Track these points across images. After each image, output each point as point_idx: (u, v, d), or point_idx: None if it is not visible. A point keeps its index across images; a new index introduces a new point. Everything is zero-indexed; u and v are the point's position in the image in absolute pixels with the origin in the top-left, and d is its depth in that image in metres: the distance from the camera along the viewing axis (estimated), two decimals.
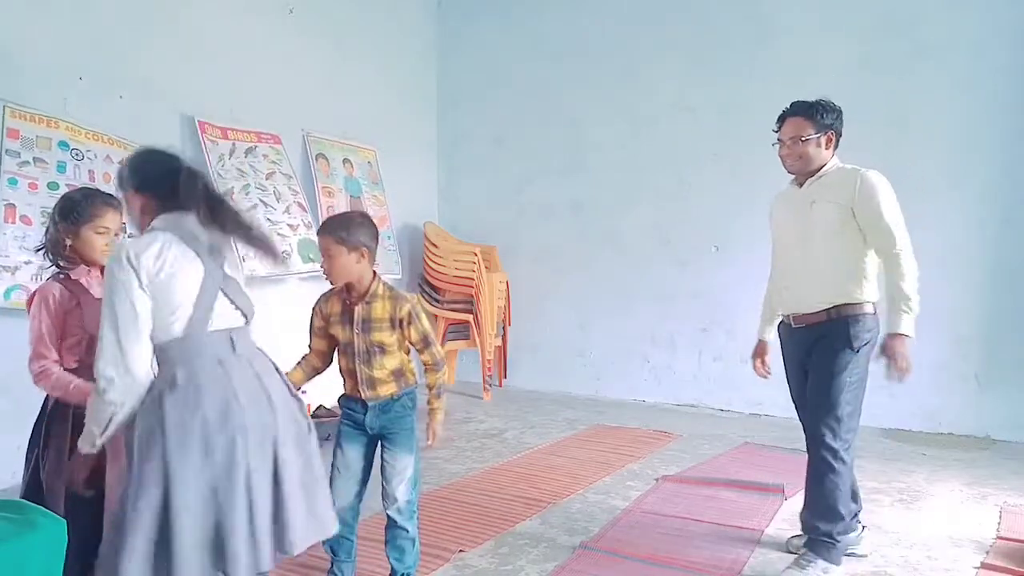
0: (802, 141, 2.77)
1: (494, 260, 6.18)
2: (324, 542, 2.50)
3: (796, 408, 2.96)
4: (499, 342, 6.17)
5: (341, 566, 2.56)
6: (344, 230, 2.34)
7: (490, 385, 5.99)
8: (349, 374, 2.47)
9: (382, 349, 2.41)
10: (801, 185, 2.85)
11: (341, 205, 5.46)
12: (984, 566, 2.87)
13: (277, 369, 1.93)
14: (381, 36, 6.11)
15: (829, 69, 5.04)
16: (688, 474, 3.98)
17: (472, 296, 5.84)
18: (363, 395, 2.45)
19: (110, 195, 2.31)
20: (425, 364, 2.51)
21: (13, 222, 3.62)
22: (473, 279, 5.80)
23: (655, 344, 5.81)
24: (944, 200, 4.76)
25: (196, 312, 1.76)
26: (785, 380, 2.98)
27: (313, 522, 1.87)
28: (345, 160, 5.69)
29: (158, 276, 1.71)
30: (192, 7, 4.58)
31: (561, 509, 3.47)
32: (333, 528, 1.97)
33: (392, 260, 5.93)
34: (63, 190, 3.80)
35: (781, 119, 2.85)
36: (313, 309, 2.51)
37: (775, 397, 5.22)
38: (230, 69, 4.81)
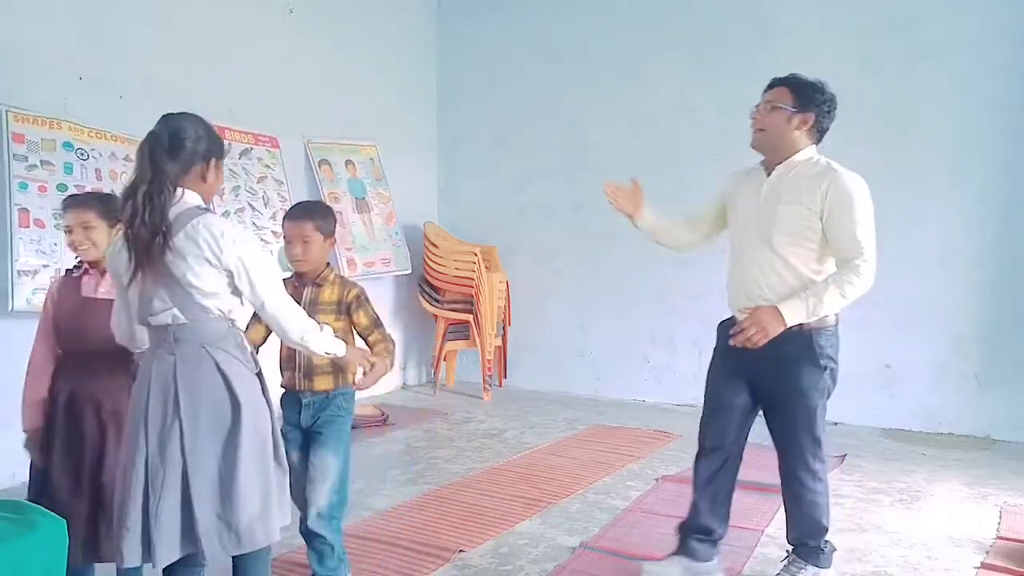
0: (774, 108, 2.49)
1: (494, 260, 6.18)
2: (308, 545, 2.47)
3: (709, 411, 2.70)
4: (499, 342, 6.16)
5: None
6: (322, 218, 2.42)
7: (490, 385, 5.99)
8: (288, 361, 2.43)
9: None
10: (769, 173, 2.55)
11: (347, 209, 5.48)
12: (984, 566, 2.87)
13: (221, 371, 1.87)
14: (381, 36, 6.11)
15: (829, 69, 4.96)
16: (688, 474, 3.96)
17: (472, 296, 5.84)
18: (299, 386, 2.41)
19: (73, 195, 2.53)
20: (376, 344, 2.43)
21: (27, 226, 3.63)
22: (473, 279, 5.80)
23: (655, 344, 5.80)
24: (944, 200, 4.76)
25: (140, 308, 1.91)
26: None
27: (225, 529, 1.84)
28: (347, 162, 5.69)
29: (117, 271, 1.93)
30: (192, 7, 4.58)
31: (561, 509, 3.47)
32: (253, 545, 1.90)
33: (403, 255, 5.95)
34: (72, 191, 3.81)
35: (769, 86, 2.60)
36: None
37: None
38: (230, 69, 4.81)
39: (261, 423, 1.93)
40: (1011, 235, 4.64)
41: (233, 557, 1.98)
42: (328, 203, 5.28)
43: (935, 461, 4.26)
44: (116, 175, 4.05)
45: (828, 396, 2.53)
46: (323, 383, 2.42)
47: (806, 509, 2.56)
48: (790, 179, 2.49)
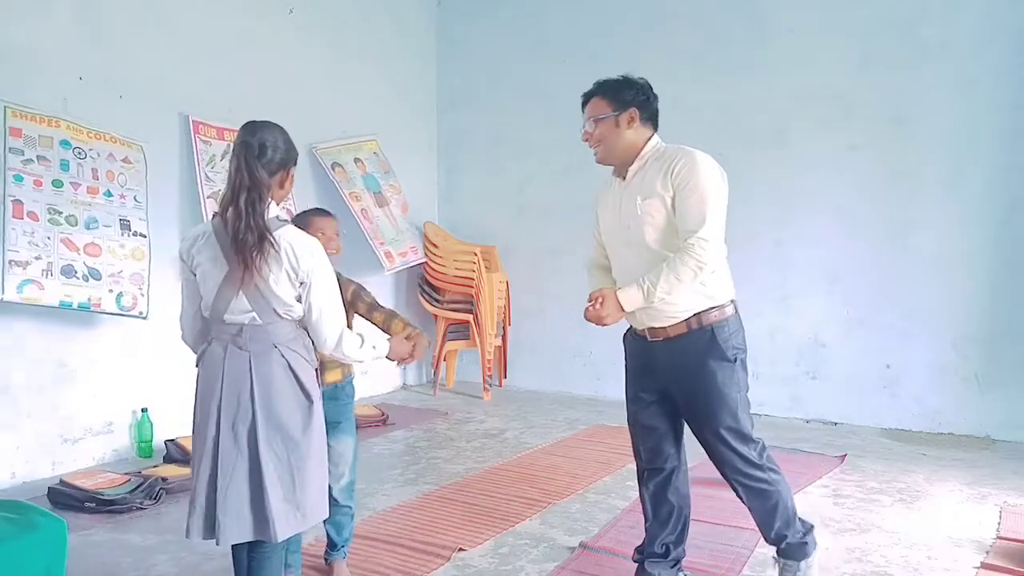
0: (597, 121, 2.44)
1: (494, 260, 6.18)
2: (327, 520, 2.65)
3: (636, 435, 2.61)
4: (499, 342, 6.16)
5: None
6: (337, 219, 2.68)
7: (490, 385, 5.99)
8: None
9: None
10: (624, 177, 2.47)
11: (370, 205, 5.50)
12: (984, 566, 2.87)
13: (292, 370, 2.01)
14: (381, 36, 6.11)
15: (829, 69, 5.04)
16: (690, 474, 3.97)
17: (472, 296, 5.84)
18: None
19: None
20: (387, 319, 2.60)
21: (21, 218, 3.64)
22: (473, 279, 5.80)
23: None
24: (944, 200, 4.76)
25: (214, 303, 2.01)
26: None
27: (293, 511, 2.01)
28: (356, 160, 5.69)
29: (193, 265, 2.05)
30: (192, 7, 4.58)
31: (561, 509, 3.47)
32: (316, 520, 2.11)
33: (419, 243, 5.96)
34: (67, 188, 3.83)
35: (583, 103, 2.52)
36: None
37: (775, 397, 5.22)
38: (230, 69, 4.81)
39: (323, 417, 2.13)
40: (1011, 235, 4.63)
41: (251, 551, 2.11)
42: (351, 202, 5.34)
43: (935, 461, 4.26)
44: (113, 176, 4.05)
45: (747, 389, 2.41)
46: (333, 376, 2.64)
47: (768, 502, 2.44)
48: (643, 174, 2.41)
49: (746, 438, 2.41)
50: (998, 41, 4.61)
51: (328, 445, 2.51)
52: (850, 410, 5.10)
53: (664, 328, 2.39)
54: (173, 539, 3.08)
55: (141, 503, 3.44)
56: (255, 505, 1.97)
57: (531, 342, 6.32)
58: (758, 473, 2.42)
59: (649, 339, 2.44)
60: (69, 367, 3.97)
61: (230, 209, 1.94)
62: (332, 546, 2.74)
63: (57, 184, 3.80)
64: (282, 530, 1.99)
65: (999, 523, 3.31)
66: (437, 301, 6.00)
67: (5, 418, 3.72)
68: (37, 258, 3.63)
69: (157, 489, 3.54)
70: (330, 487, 2.58)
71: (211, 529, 1.98)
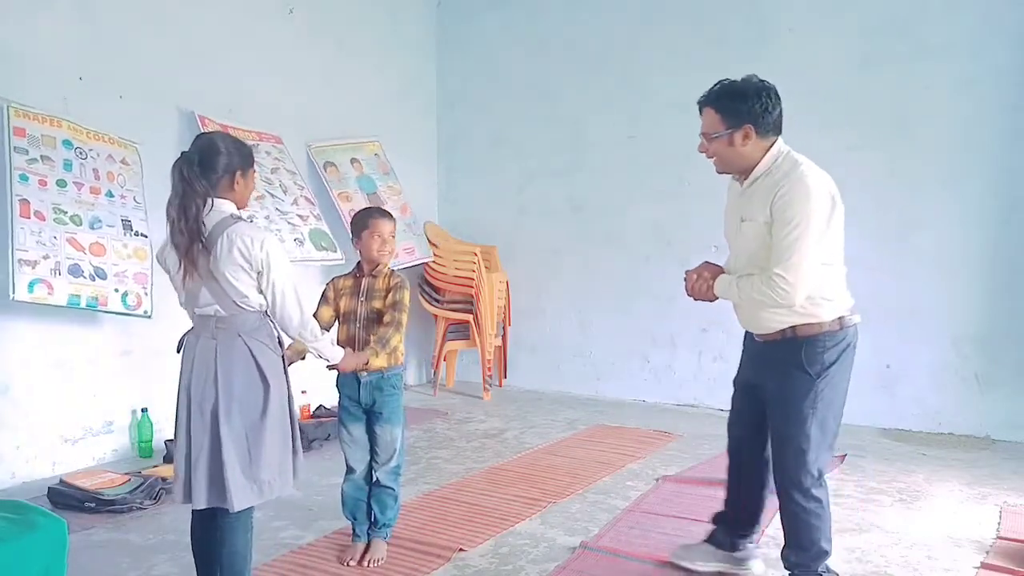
0: (711, 139, 2.37)
1: (494, 260, 6.18)
2: (344, 509, 2.91)
3: (732, 418, 2.71)
4: (499, 342, 6.16)
5: (360, 527, 2.92)
6: (394, 221, 2.89)
7: (490, 385, 5.98)
8: (348, 343, 2.80)
9: (379, 316, 2.79)
10: (742, 183, 2.44)
11: (361, 205, 5.48)
12: (984, 566, 2.87)
13: (254, 357, 2.21)
14: (381, 36, 6.11)
15: (829, 69, 5.03)
16: (688, 474, 3.98)
17: (472, 296, 5.84)
18: None
19: None
20: (384, 322, 2.76)
21: (28, 217, 3.63)
22: (473, 279, 5.80)
23: (655, 344, 5.80)
24: (944, 200, 4.76)
25: (186, 299, 2.26)
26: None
27: (250, 484, 2.20)
28: (353, 160, 5.68)
29: (166, 267, 2.26)
30: (192, 7, 4.58)
31: (561, 509, 3.47)
32: (274, 494, 2.27)
33: (424, 243, 5.95)
34: (71, 188, 3.83)
35: (700, 108, 2.43)
36: (327, 284, 2.92)
37: None
38: (230, 69, 4.80)
39: (283, 400, 2.29)
40: (1011, 235, 4.63)
41: (220, 519, 2.27)
42: (339, 203, 5.33)
43: (935, 461, 4.26)
44: (113, 176, 4.05)
45: (830, 408, 2.40)
46: (378, 362, 2.77)
47: (801, 529, 2.43)
48: (752, 191, 2.38)
49: (802, 454, 2.36)
50: (998, 41, 4.61)
51: (374, 433, 2.87)
52: (850, 410, 5.04)
53: (762, 335, 2.48)
54: (173, 539, 3.08)
55: (141, 503, 3.44)
56: (217, 476, 2.17)
57: (531, 342, 6.32)
58: (798, 496, 2.39)
59: (756, 338, 2.54)
60: (69, 367, 3.96)
61: (168, 216, 2.17)
62: (375, 523, 2.91)
63: (61, 184, 3.79)
64: (239, 500, 2.17)
65: (999, 523, 3.31)
66: (437, 301, 6.00)
67: (5, 418, 3.72)
68: (45, 257, 3.62)
69: (157, 489, 3.53)
70: (374, 469, 2.90)
71: (189, 495, 2.20)
